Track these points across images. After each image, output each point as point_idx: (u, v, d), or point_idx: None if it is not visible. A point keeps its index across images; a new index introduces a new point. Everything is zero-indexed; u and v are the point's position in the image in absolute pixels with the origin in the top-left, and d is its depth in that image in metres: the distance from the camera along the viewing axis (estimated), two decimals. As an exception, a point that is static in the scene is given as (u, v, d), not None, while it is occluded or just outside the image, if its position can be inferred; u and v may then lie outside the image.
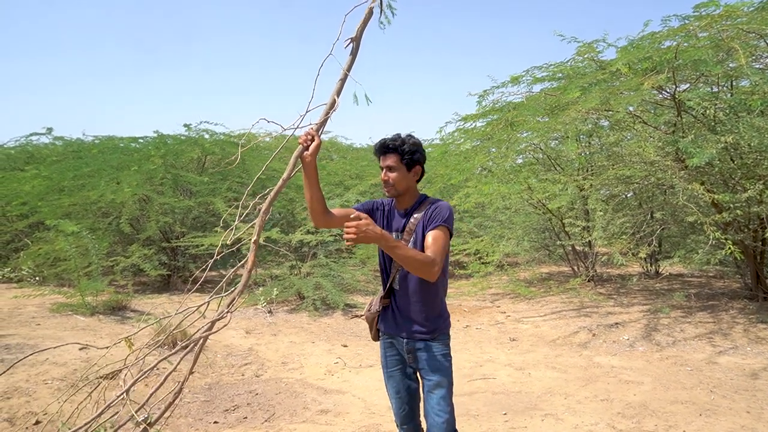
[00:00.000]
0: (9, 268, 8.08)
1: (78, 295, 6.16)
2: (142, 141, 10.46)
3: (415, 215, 2.22)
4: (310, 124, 2.15)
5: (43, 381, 3.95)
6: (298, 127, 2.13)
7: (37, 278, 7.63)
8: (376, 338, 2.42)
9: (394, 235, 2.27)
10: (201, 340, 2.00)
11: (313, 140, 2.12)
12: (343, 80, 2.15)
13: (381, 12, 2.21)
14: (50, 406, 3.53)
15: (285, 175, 2.12)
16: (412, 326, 2.23)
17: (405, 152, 2.19)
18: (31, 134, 12.99)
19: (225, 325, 1.97)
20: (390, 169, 2.19)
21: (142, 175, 7.96)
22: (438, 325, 2.24)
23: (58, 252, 6.76)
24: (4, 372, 2.21)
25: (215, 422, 3.60)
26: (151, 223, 7.70)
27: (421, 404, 2.30)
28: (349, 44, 2.16)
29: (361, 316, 2.44)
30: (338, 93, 2.14)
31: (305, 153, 2.11)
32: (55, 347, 2.26)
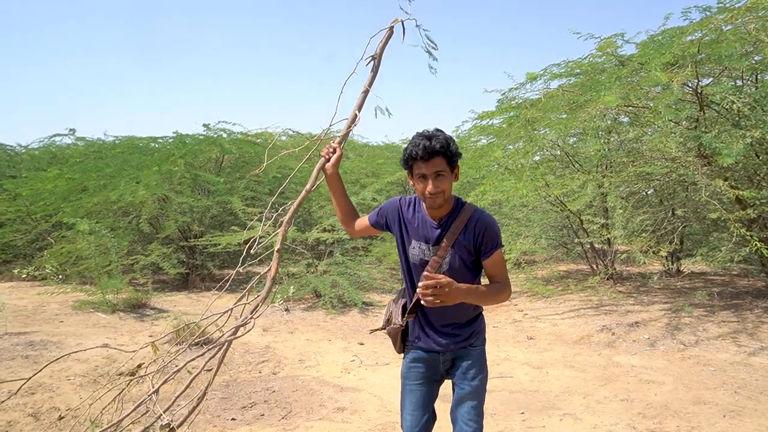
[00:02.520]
0: (33, 267, 8.25)
1: (99, 293, 6.26)
2: (161, 141, 10.59)
3: (451, 228, 1.98)
4: (334, 132, 2.27)
5: (66, 377, 4.03)
6: (323, 138, 2.25)
7: (60, 276, 7.78)
8: (401, 351, 2.22)
9: (425, 246, 2.03)
10: (225, 345, 2.03)
11: (334, 152, 2.16)
12: (365, 95, 2.21)
13: (403, 34, 2.26)
14: (73, 402, 3.60)
15: (308, 186, 2.20)
16: (450, 336, 2.07)
17: (453, 153, 1.91)
18: (54, 135, 13.26)
19: (248, 331, 2.00)
20: (439, 175, 1.90)
21: (162, 175, 8.06)
22: (475, 329, 2.10)
23: (80, 251, 6.88)
24: (36, 374, 2.26)
25: (233, 419, 3.63)
26: (170, 223, 7.79)
27: (436, 405, 2.20)
28: (370, 62, 2.24)
29: (381, 329, 2.23)
30: (359, 108, 2.21)
31: (327, 165, 2.16)
32: (83, 350, 2.31)
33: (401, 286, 2.29)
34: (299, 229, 7.78)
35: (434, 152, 1.87)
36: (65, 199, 8.25)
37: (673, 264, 8.75)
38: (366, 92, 2.21)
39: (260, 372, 4.66)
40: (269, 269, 2.13)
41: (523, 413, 3.71)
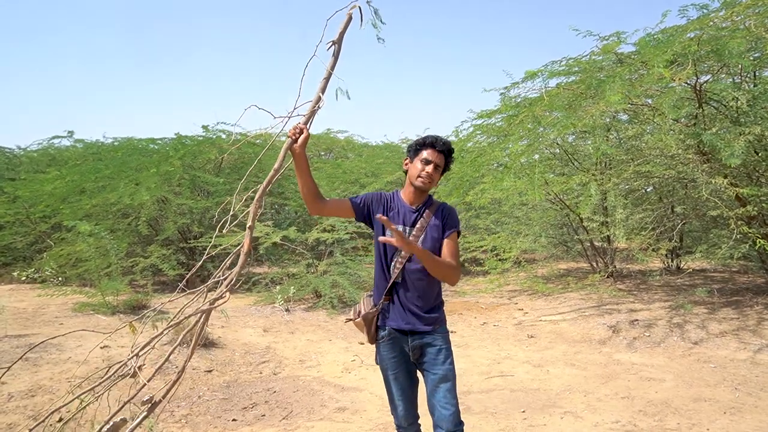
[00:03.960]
0: (33, 269, 8.24)
1: (99, 294, 6.26)
2: (160, 142, 10.60)
3: (425, 214, 2.27)
4: (299, 115, 2.29)
5: (66, 379, 4.02)
6: (289, 117, 2.29)
7: (59, 278, 7.77)
8: (373, 341, 2.36)
9: (401, 227, 2.27)
10: (202, 317, 2.09)
11: (301, 133, 2.23)
12: (327, 79, 2.28)
13: (361, 20, 2.32)
14: (72, 402, 3.59)
15: (276, 166, 2.24)
16: (416, 318, 2.24)
17: (449, 161, 2.30)
18: (53, 137, 13.27)
19: (225, 301, 2.09)
20: (436, 167, 2.24)
21: (160, 176, 8.05)
22: (439, 316, 2.29)
23: (80, 253, 6.88)
24: (11, 366, 2.27)
25: (233, 420, 3.63)
26: (169, 224, 7.79)
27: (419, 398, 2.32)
28: (331, 46, 2.29)
29: (354, 319, 2.39)
30: (323, 90, 2.28)
31: (294, 145, 2.22)
32: (57, 336, 2.36)
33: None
34: (299, 230, 7.77)
35: (444, 146, 2.26)
36: (64, 201, 8.25)
37: (673, 261, 8.76)
38: (329, 76, 2.28)
39: (261, 373, 4.65)
40: (242, 245, 2.19)
41: (524, 412, 3.71)
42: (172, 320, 2.28)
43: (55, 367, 4.22)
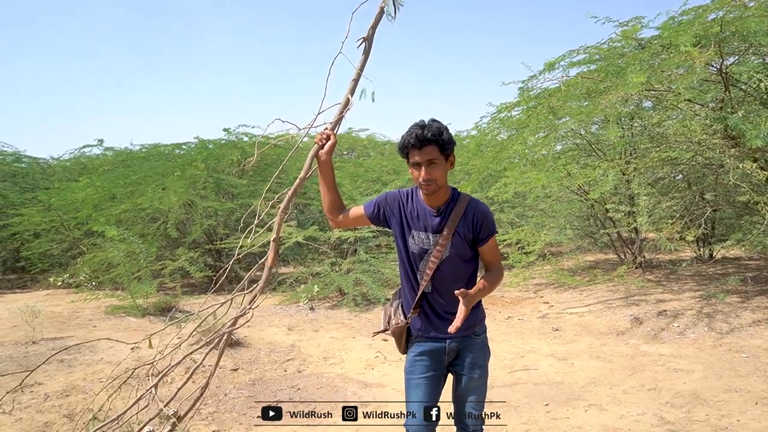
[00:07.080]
0: (68, 274, 8.53)
1: (130, 298, 6.44)
2: (185, 147, 10.83)
3: (451, 217, 2.03)
4: (325, 122, 2.16)
5: (98, 379, 4.16)
6: (312, 126, 2.16)
7: (93, 283, 8.03)
8: (405, 351, 2.20)
9: (424, 235, 2.05)
10: (225, 336, 2.08)
11: (328, 139, 2.11)
12: (357, 80, 2.14)
13: (394, 9, 2.17)
14: (104, 403, 3.72)
15: (302, 174, 2.15)
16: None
17: (445, 142, 1.96)
18: (84, 146, 13.70)
19: (247, 321, 2.05)
20: (431, 163, 1.95)
21: (186, 180, 8.23)
22: (478, 315, 2.13)
23: (111, 258, 7.09)
24: (33, 369, 2.36)
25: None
26: (195, 227, 7.95)
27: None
28: (361, 44, 2.14)
29: (383, 331, 2.25)
30: (352, 92, 2.14)
31: (320, 152, 2.11)
32: (78, 344, 2.41)
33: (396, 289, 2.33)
34: (321, 229, 7.85)
35: (426, 140, 1.93)
36: (95, 207, 8.51)
37: (703, 249, 8.52)
38: (358, 77, 2.14)
39: (285, 371, 4.72)
40: (266, 258, 2.13)
41: (547, 405, 3.68)
42: (193, 343, 2.32)
43: (88, 368, 4.37)
